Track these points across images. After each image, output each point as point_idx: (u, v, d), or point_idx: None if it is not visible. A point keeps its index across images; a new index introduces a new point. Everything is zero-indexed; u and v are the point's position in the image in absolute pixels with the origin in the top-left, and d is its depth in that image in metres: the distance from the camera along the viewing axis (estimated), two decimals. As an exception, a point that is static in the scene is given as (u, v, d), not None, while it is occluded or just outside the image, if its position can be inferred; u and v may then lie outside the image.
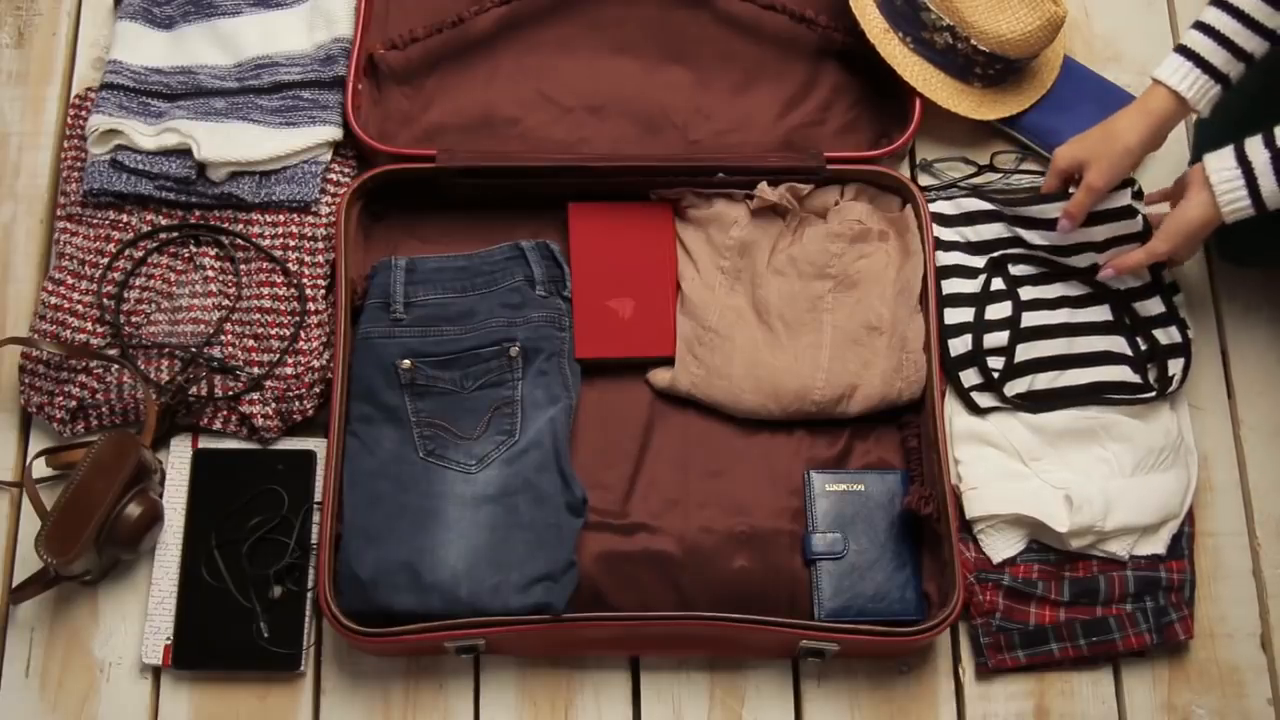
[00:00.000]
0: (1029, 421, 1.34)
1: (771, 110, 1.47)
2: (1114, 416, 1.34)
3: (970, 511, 1.31)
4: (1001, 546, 1.31)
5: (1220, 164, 1.24)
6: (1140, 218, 1.36)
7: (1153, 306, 1.40)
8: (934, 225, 1.40)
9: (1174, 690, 1.32)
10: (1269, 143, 1.21)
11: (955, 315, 1.38)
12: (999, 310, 1.38)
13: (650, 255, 1.40)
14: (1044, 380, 1.36)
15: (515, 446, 1.31)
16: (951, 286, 1.39)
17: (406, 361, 1.32)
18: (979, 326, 1.36)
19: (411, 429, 1.31)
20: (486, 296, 1.35)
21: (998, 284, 1.39)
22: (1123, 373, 1.36)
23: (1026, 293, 1.39)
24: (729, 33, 1.50)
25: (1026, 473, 1.33)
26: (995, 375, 1.35)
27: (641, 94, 1.47)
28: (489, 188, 1.41)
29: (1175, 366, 1.37)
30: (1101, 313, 1.39)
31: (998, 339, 1.36)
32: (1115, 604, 1.31)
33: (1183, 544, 1.33)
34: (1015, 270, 1.40)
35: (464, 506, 1.28)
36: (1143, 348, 1.38)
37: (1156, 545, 1.32)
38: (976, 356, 1.36)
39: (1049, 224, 1.37)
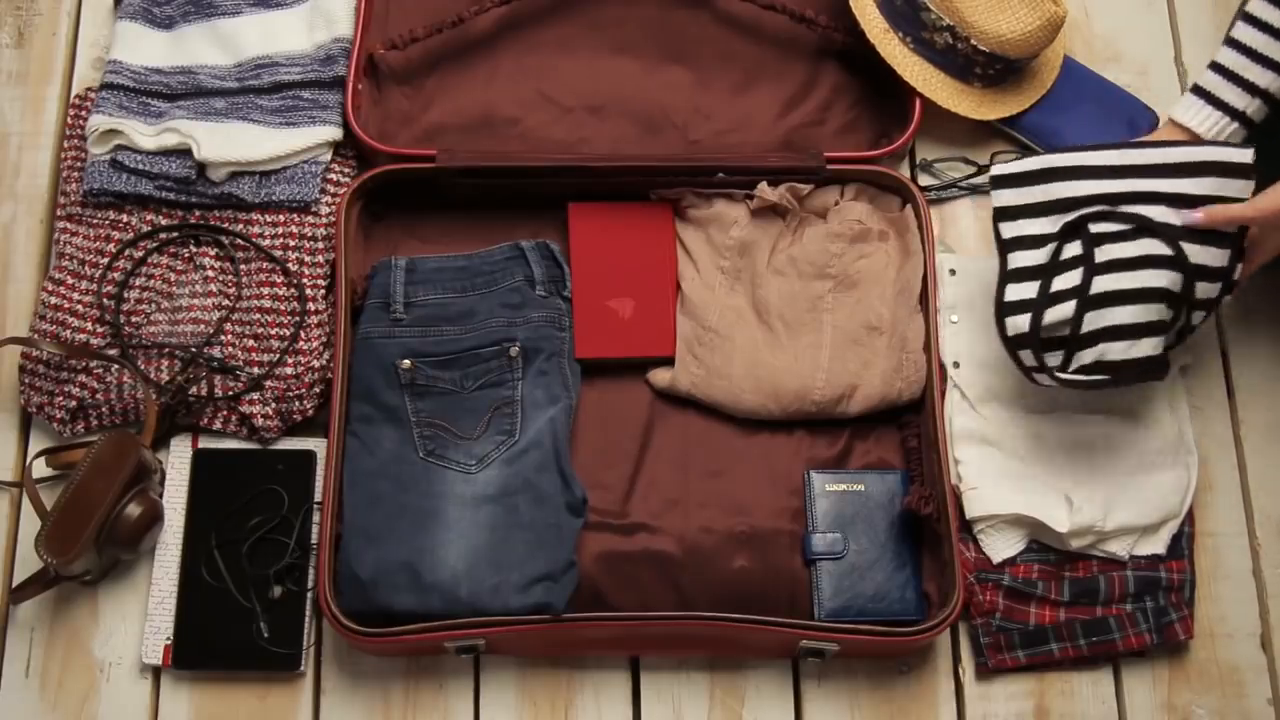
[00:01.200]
0: (1029, 423, 1.34)
1: (771, 110, 1.47)
2: (1114, 418, 1.34)
3: (970, 511, 1.31)
4: (1001, 546, 1.31)
5: None
6: (1249, 184, 1.24)
7: (1212, 291, 1.26)
8: (995, 190, 1.27)
9: (1174, 690, 1.32)
10: None
11: (1017, 291, 1.26)
12: (1069, 280, 1.25)
13: (650, 255, 1.40)
14: (1117, 350, 1.24)
15: (515, 446, 1.31)
16: (1016, 260, 1.27)
17: (406, 361, 1.32)
18: (1041, 303, 1.25)
19: (411, 429, 1.31)
20: (486, 296, 1.35)
21: (1071, 250, 1.25)
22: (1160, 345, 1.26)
23: (1104, 253, 1.24)
24: (729, 33, 1.50)
25: (1027, 473, 1.33)
26: (1054, 356, 1.25)
27: (641, 94, 1.47)
28: (489, 188, 1.41)
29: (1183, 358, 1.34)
30: (1178, 281, 1.24)
31: (1063, 312, 1.24)
32: (1115, 604, 1.31)
33: (1183, 544, 1.33)
34: (1096, 228, 1.25)
35: (464, 506, 1.28)
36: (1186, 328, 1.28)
37: (1156, 545, 1.32)
38: (1032, 338, 1.25)
39: (1142, 170, 1.24)
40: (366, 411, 1.32)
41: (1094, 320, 1.24)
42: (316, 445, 1.34)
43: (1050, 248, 1.27)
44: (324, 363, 1.35)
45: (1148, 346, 1.24)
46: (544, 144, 1.44)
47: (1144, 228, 1.24)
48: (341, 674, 1.29)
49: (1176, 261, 1.24)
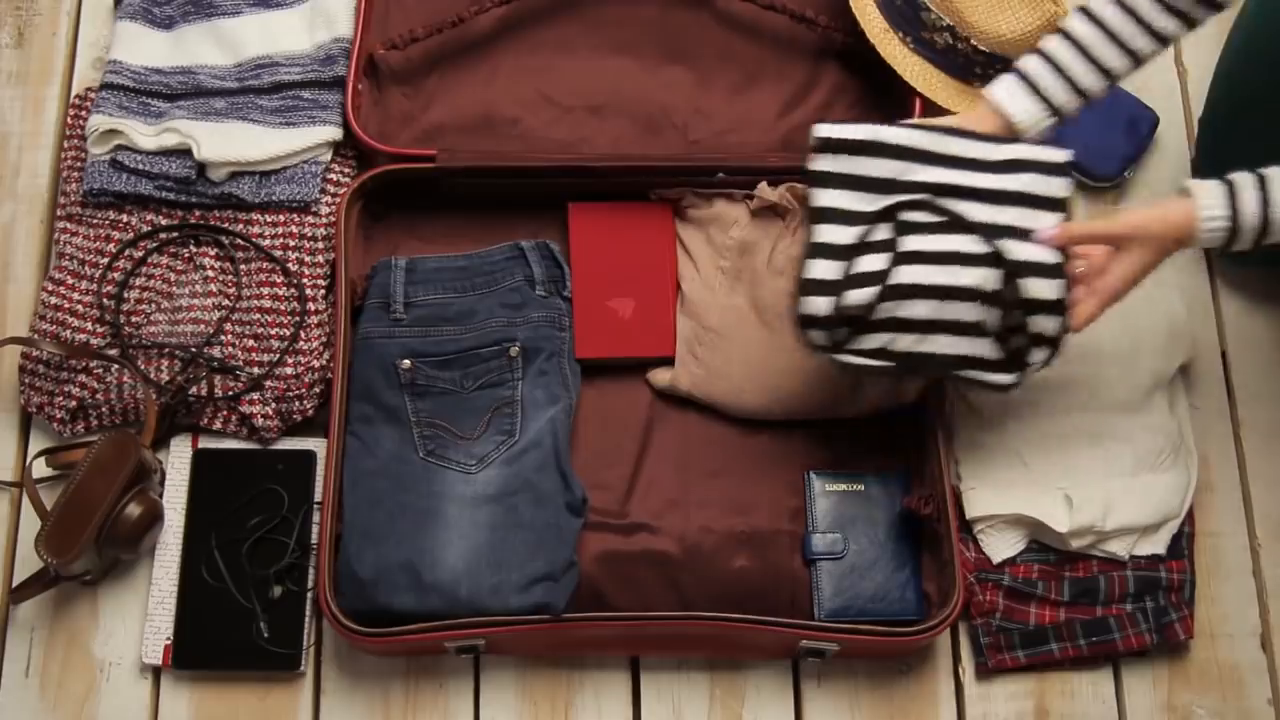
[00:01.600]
0: (1029, 423, 1.34)
1: (771, 110, 1.47)
2: (1114, 417, 1.34)
3: (970, 511, 1.31)
4: (1001, 547, 1.31)
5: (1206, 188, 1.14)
6: (1069, 184, 1.20)
7: (1047, 289, 1.18)
8: (815, 154, 1.21)
9: (1174, 690, 1.32)
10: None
11: (821, 269, 1.19)
12: (872, 263, 1.19)
13: (650, 255, 1.40)
14: (905, 343, 1.19)
15: (515, 446, 1.31)
16: (823, 234, 1.19)
17: (406, 361, 1.32)
18: (844, 285, 1.18)
19: (411, 429, 1.31)
20: (486, 296, 1.35)
21: (881, 233, 1.20)
22: (986, 347, 1.20)
23: (912, 243, 1.19)
24: (729, 33, 1.50)
25: (1027, 473, 1.33)
26: (840, 333, 1.19)
27: (641, 94, 1.47)
28: (489, 188, 1.41)
29: (1039, 355, 1.20)
30: (991, 279, 1.18)
31: (862, 296, 1.18)
32: (1115, 604, 1.31)
33: (1183, 544, 1.33)
34: (907, 216, 1.20)
35: (464, 506, 1.28)
36: (1013, 326, 1.20)
37: (1157, 545, 1.32)
38: (828, 321, 1.19)
39: (962, 163, 1.20)
40: (366, 411, 1.32)
41: (889, 309, 1.19)
42: (316, 445, 1.34)
43: (861, 228, 1.20)
44: (324, 363, 1.35)
45: (944, 344, 1.19)
46: (544, 144, 1.44)
47: (958, 222, 1.19)
48: (341, 674, 1.29)
49: (991, 259, 1.18)
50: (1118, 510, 1.30)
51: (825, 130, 1.20)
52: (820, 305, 1.18)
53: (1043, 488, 1.31)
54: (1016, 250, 1.18)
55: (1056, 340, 1.19)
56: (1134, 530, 1.31)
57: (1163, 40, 1.19)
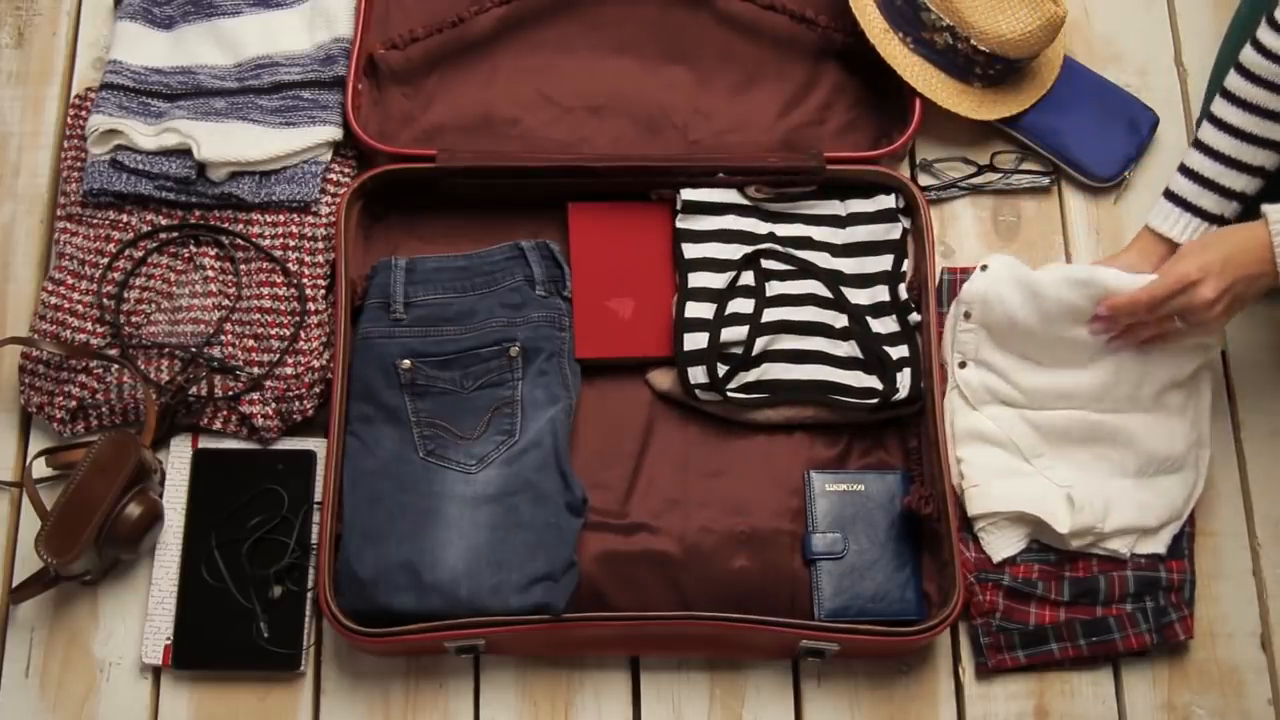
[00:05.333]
0: (1031, 419, 1.34)
1: (771, 110, 1.47)
2: (1120, 418, 1.34)
3: (972, 509, 1.31)
4: (1002, 545, 1.31)
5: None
6: (900, 227, 1.39)
7: (886, 324, 1.37)
8: (690, 215, 1.39)
9: (1174, 690, 1.32)
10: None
11: (695, 310, 1.34)
12: (743, 306, 1.35)
13: (650, 255, 1.40)
14: (776, 370, 1.33)
15: (515, 446, 1.31)
16: (697, 280, 1.36)
17: (406, 361, 1.32)
18: (718, 324, 1.33)
19: (411, 429, 1.31)
20: (486, 296, 1.35)
21: (746, 279, 1.36)
22: (855, 377, 1.34)
23: (774, 288, 1.36)
24: (729, 33, 1.50)
25: (1029, 470, 1.33)
26: (723, 373, 1.32)
27: (641, 94, 1.47)
28: (489, 188, 1.41)
29: (903, 380, 1.34)
30: (840, 319, 1.36)
31: (737, 333, 1.33)
32: (1115, 604, 1.31)
33: (1183, 544, 1.33)
34: (767, 264, 1.37)
35: (464, 506, 1.28)
36: (876, 356, 1.35)
37: (1157, 545, 1.32)
38: (708, 355, 1.32)
39: (805, 218, 1.40)
40: (366, 411, 1.32)
41: (763, 344, 1.34)
42: (316, 445, 1.34)
43: (729, 275, 1.36)
44: (324, 363, 1.35)
45: (811, 372, 1.34)
46: (544, 144, 1.44)
47: (808, 269, 1.38)
48: (341, 674, 1.29)
49: (837, 303, 1.37)
50: (1118, 511, 1.30)
51: (689, 195, 1.39)
52: (699, 340, 1.33)
53: (1045, 486, 1.31)
54: (854, 295, 1.38)
55: (912, 360, 1.35)
56: (1135, 531, 1.31)
57: None
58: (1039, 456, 1.33)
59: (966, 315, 1.36)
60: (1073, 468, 1.33)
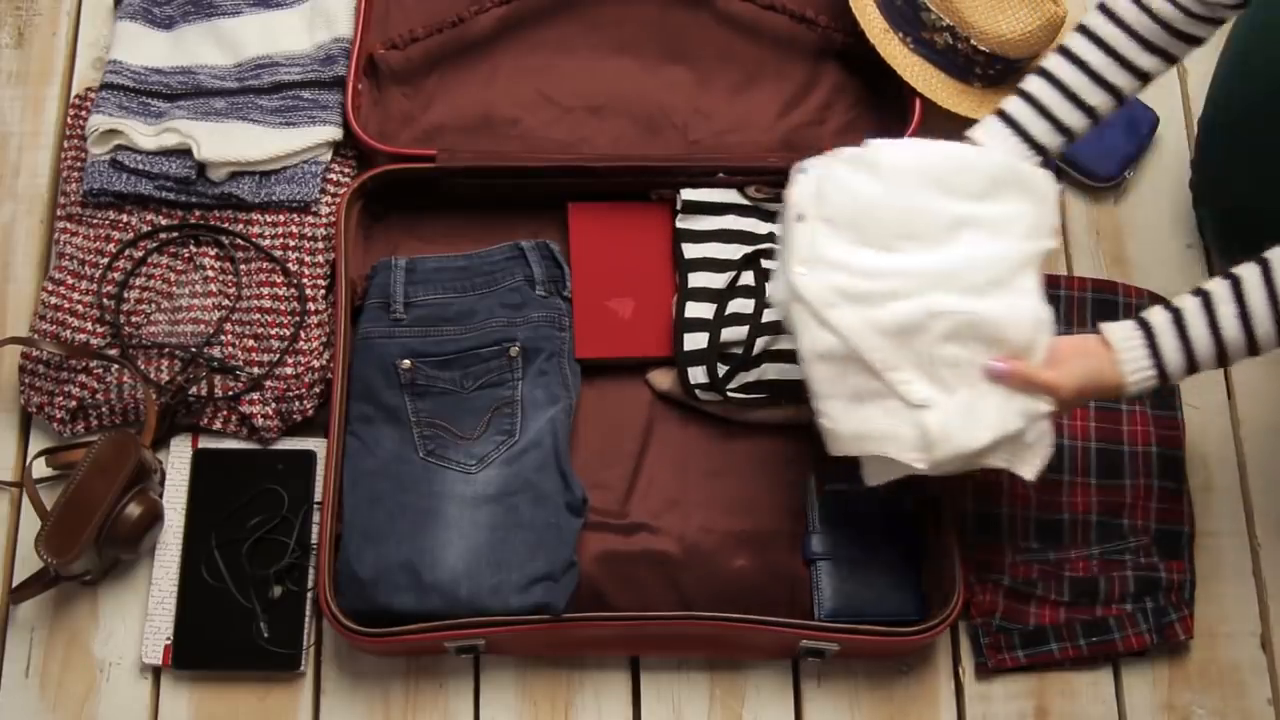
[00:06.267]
0: (881, 323, 1.14)
1: (771, 110, 1.47)
2: (976, 304, 1.14)
3: (830, 451, 1.18)
4: (876, 473, 1.20)
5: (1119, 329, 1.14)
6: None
7: None
8: (690, 215, 1.38)
9: (1174, 690, 1.32)
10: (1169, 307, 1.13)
11: (696, 310, 1.35)
12: (742, 305, 1.35)
13: (650, 255, 1.40)
14: (776, 370, 1.32)
15: (515, 446, 1.31)
16: (696, 280, 1.36)
17: (406, 361, 1.32)
18: (718, 324, 1.34)
19: (411, 429, 1.31)
20: (486, 296, 1.35)
21: (746, 279, 1.36)
22: None
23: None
24: (729, 33, 1.50)
25: (883, 391, 1.15)
26: (723, 373, 1.31)
27: (641, 94, 1.47)
28: (489, 188, 1.41)
29: None
30: None
31: (737, 333, 1.33)
32: (1115, 604, 1.31)
33: (1183, 544, 1.33)
34: (767, 264, 1.35)
35: (464, 506, 1.28)
36: None
37: (1028, 469, 1.17)
38: (708, 355, 1.32)
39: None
40: (366, 411, 1.32)
41: (762, 344, 1.33)
42: (316, 445, 1.34)
43: (729, 275, 1.36)
44: (324, 363, 1.35)
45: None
46: (544, 144, 1.44)
47: None
48: (341, 674, 1.29)
49: None
50: (983, 425, 1.14)
51: (689, 195, 1.38)
52: (699, 340, 1.33)
53: (898, 416, 1.15)
54: None
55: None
56: (1006, 443, 1.15)
57: (1144, 77, 1.20)
58: (892, 369, 1.15)
59: (799, 218, 1.18)
60: (930, 381, 1.14)
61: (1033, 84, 1.20)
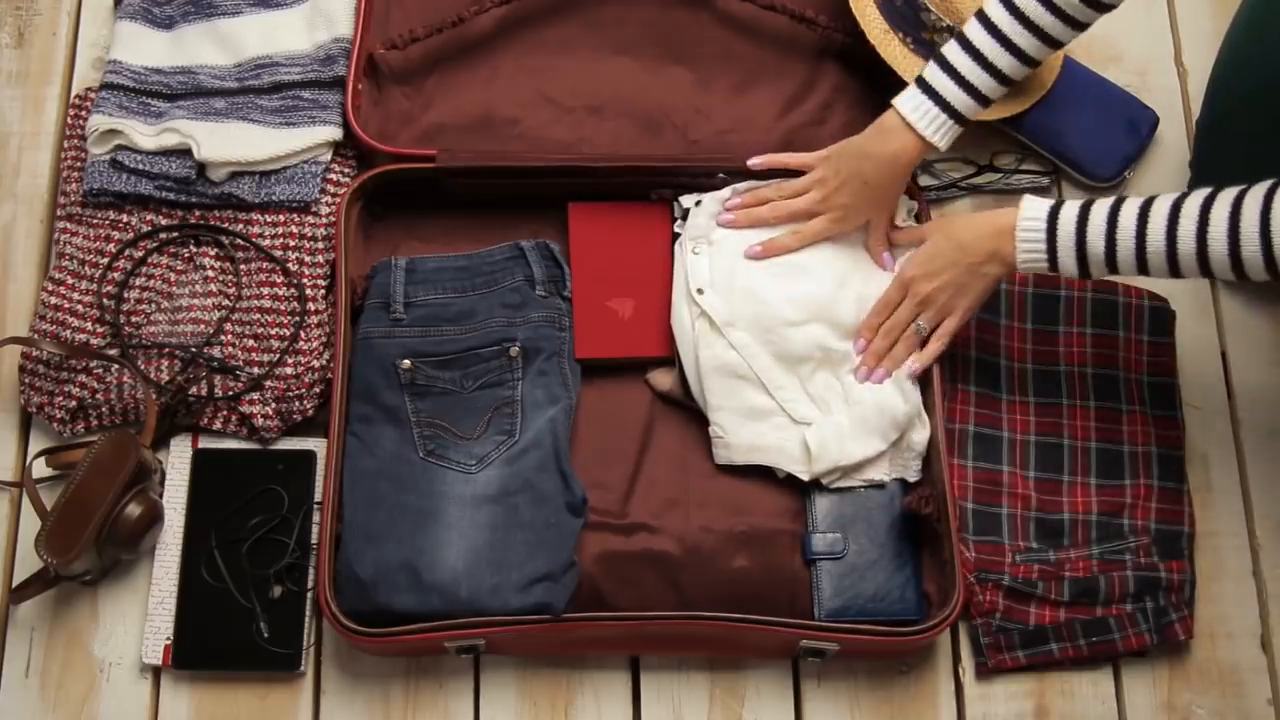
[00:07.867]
0: (773, 346, 1.32)
1: (771, 110, 1.47)
2: (846, 341, 1.33)
3: (719, 460, 1.33)
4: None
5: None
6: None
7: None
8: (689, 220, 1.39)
9: (1174, 690, 1.32)
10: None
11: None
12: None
13: (650, 255, 1.40)
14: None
15: (515, 446, 1.31)
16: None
17: (406, 361, 1.32)
18: None
19: (411, 429, 1.31)
20: (486, 296, 1.36)
21: None
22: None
23: None
24: (729, 33, 1.50)
25: (771, 407, 1.32)
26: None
27: (641, 94, 1.47)
28: (489, 188, 1.41)
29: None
30: None
31: None
32: (1115, 604, 1.31)
33: (1183, 544, 1.33)
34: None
35: (464, 506, 1.28)
36: None
37: (910, 470, 1.32)
38: None
39: None
40: (366, 411, 1.32)
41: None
42: (316, 445, 1.34)
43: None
44: (324, 363, 1.35)
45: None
46: (544, 144, 1.44)
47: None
48: (341, 674, 1.30)
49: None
50: (855, 442, 1.30)
51: (687, 200, 1.39)
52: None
53: (785, 432, 1.31)
54: None
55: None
56: (876, 458, 1.31)
57: (1052, 42, 1.24)
58: (780, 389, 1.32)
59: (694, 252, 1.36)
60: (809, 402, 1.32)
61: (950, 50, 1.27)
